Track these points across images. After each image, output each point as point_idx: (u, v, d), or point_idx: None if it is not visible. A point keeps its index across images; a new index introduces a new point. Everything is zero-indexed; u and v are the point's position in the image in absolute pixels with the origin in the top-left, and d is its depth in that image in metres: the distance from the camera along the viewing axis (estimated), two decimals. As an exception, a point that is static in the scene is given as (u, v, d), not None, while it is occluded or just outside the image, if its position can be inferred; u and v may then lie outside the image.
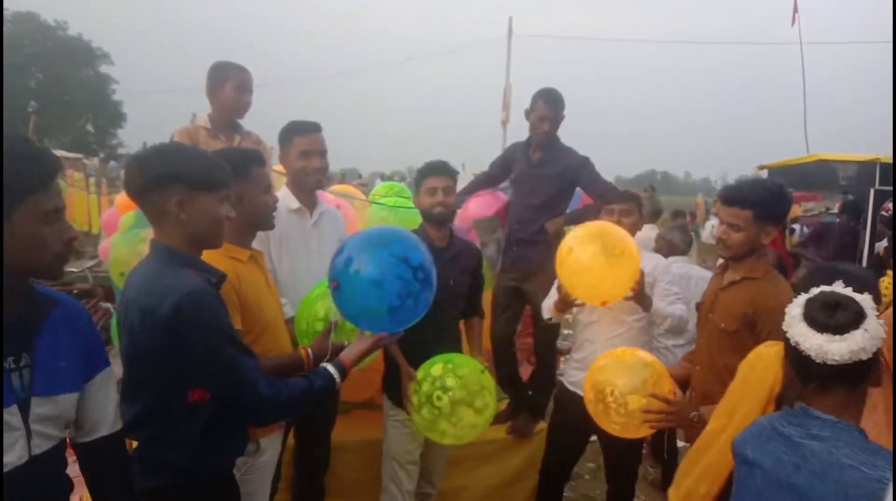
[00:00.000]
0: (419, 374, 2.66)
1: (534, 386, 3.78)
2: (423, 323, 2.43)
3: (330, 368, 1.97)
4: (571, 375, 3.13)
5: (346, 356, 2.05)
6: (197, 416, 1.76)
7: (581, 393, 2.78)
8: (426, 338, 2.66)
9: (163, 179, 1.73)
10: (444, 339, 2.92)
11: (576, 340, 3.17)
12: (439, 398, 2.58)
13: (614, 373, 2.49)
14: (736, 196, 2.44)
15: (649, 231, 4.67)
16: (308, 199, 2.88)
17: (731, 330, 2.41)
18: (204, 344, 1.67)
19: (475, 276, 3.13)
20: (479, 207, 3.99)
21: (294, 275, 2.73)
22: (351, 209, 3.71)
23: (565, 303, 2.92)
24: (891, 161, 4.99)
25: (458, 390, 2.59)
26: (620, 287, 2.75)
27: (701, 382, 2.59)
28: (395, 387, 2.93)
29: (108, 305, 5.65)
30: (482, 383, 2.67)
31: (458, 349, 3.05)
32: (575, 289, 2.82)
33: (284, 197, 2.83)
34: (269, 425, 2.27)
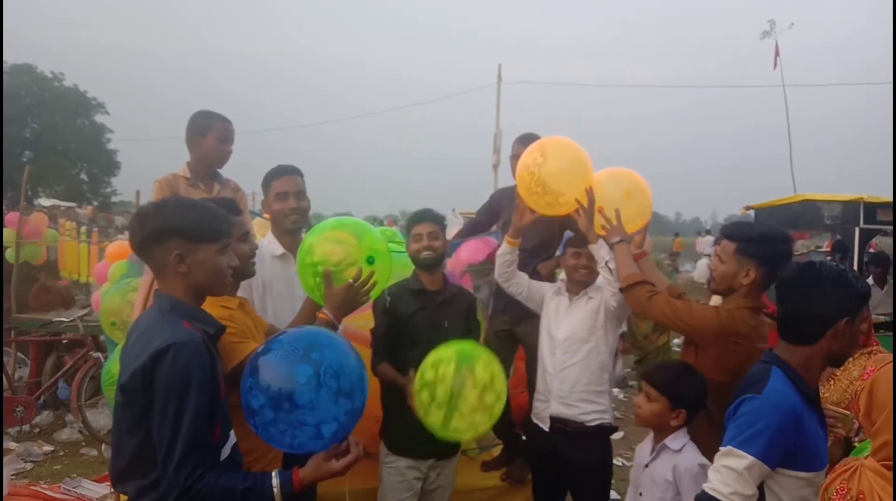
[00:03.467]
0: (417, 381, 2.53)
1: (528, 431, 3.75)
2: (418, 364, 2.59)
3: (274, 479, 1.74)
4: (535, 407, 3.20)
5: (304, 474, 1.81)
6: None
7: (543, 426, 3.06)
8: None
9: (162, 233, 1.78)
10: None
11: (537, 375, 3.23)
12: (435, 391, 2.45)
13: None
14: (729, 229, 2.55)
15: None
16: (292, 243, 2.88)
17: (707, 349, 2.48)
18: (164, 397, 1.64)
19: (469, 319, 3.15)
20: (470, 252, 4.03)
21: (279, 321, 2.71)
22: None
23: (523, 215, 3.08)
24: (874, 201, 5.08)
25: (450, 377, 2.44)
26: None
27: None
28: (393, 433, 2.93)
29: (98, 354, 5.60)
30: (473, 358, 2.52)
31: None
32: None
33: (269, 243, 2.88)
34: None
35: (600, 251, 2.92)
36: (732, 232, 2.49)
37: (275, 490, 1.73)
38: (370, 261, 2.37)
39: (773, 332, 2.42)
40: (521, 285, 3.28)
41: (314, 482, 1.84)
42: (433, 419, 2.48)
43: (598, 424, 3.01)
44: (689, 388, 2.44)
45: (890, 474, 1.37)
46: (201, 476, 1.64)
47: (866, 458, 1.51)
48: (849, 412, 2.50)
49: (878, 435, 1.44)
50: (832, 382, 2.75)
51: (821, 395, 2.50)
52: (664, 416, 2.46)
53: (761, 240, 2.42)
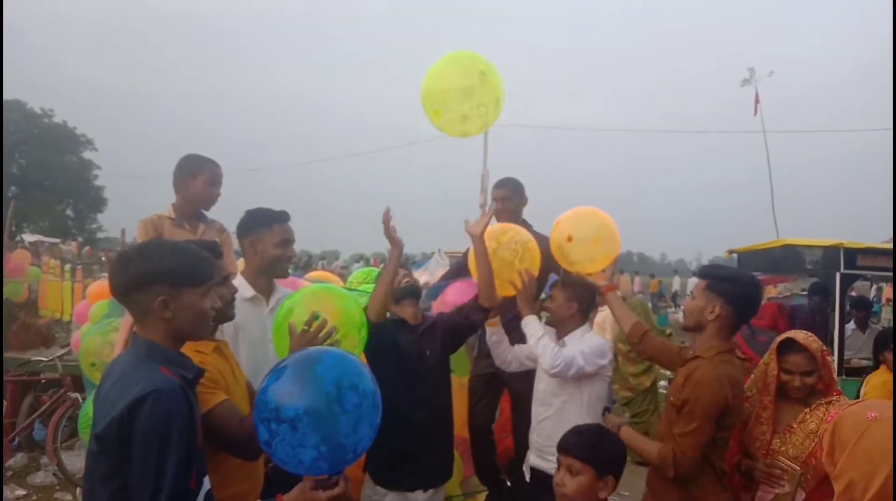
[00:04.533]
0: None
1: (512, 476, 3.71)
2: (404, 394, 2.74)
3: None
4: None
5: (288, 499, 1.83)
6: None
7: (526, 475, 3.13)
8: (416, 411, 2.84)
9: (146, 278, 1.75)
10: (427, 407, 2.95)
11: None
12: None
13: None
14: (703, 269, 2.78)
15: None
16: (266, 286, 2.87)
17: (676, 404, 2.48)
18: (144, 446, 1.60)
19: (444, 343, 3.11)
20: (456, 294, 4.02)
21: (252, 364, 2.67)
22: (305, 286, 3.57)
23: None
24: (854, 246, 5.17)
25: None
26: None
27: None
28: (378, 464, 2.90)
29: (77, 395, 5.49)
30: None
31: (447, 417, 3.10)
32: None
33: (239, 285, 2.82)
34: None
35: (529, 327, 3.09)
36: (705, 271, 2.69)
37: None
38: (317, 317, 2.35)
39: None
40: (520, 359, 3.29)
41: None
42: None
43: None
44: (612, 450, 2.27)
45: None
46: None
47: None
48: (798, 468, 2.40)
49: (841, 477, 1.42)
50: (788, 434, 2.51)
51: (777, 448, 2.50)
52: (592, 488, 2.17)
53: (729, 279, 2.57)
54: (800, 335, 2.56)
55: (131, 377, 1.68)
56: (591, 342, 3.06)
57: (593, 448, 2.21)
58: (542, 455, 3.03)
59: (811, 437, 2.44)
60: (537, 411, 3.12)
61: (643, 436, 2.75)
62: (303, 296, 2.70)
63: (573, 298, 3.15)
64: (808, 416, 2.49)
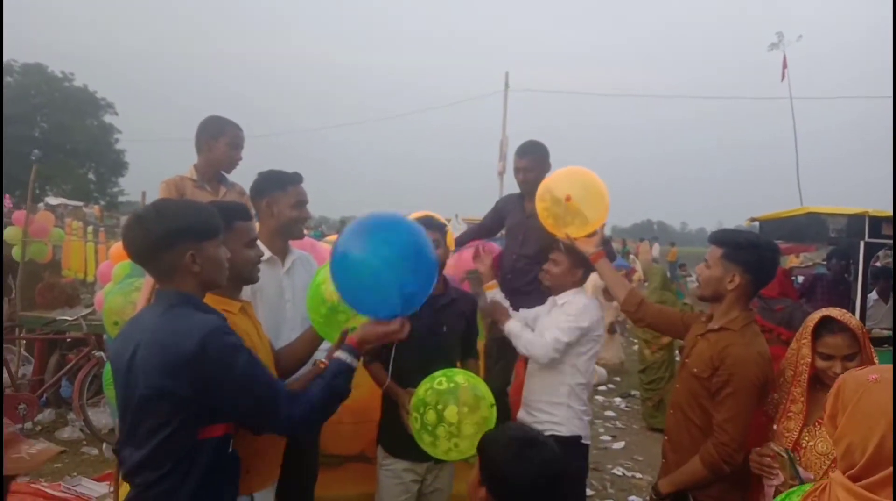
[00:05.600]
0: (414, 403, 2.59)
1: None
2: (415, 370, 2.71)
3: (341, 354, 2.00)
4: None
5: (355, 336, 2.06)
6: (199, 458, 1.77)
7: None
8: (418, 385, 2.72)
9: (171, 236, 1.81)
10: None
11: None
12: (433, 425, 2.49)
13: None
14: (716, 235, 2.58)
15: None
16: (281, 247, 2.87)
17: (703, 376, 2.43)
18: (232, 377, 1.74)
19: (470, 321, 3.16)
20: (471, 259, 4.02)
21: (268, 324, 2.67)
22: (325, 250, 3.54)
23: None
24: (879, 214, 5.06)
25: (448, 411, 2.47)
26: None
27: (674, 426, 2.61)
28: (390, 435, 2.93)
29: (101, 353, 5.62)
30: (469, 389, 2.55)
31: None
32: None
33: None
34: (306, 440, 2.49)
35: (511, 333, 3.14)
36: (720, 238, 2.53)
37: (350, 363, 2.00)
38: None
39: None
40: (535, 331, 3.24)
41: (365, 341, 2.06)
42: (420, 438, 2.57)
43: (550, 434, 2.92)
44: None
45: (859, 490, 1.31)
46: (299, 402, 1.86)
47: (833, 472, 1.44)
48: (784, 453, 2.13)
49: (841, 440, 1.37)
50: (818, 427, 2.18)
51: (805, 444, 2.18)
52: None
53: (747, 246, 2.45)
54: (835, 312, 2.24)
55: (183, 322, 1.76)
56: (575, 305, 3.05)
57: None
58: (528, 410, 3.13)
59: None
60: (530, 367, 3.20)
61: (679, 471, 2.50)
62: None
63: (579, 264, 3.12)
64: None
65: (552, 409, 3.06)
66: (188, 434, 1.76)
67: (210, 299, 2.00)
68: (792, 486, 1.98)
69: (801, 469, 2.12)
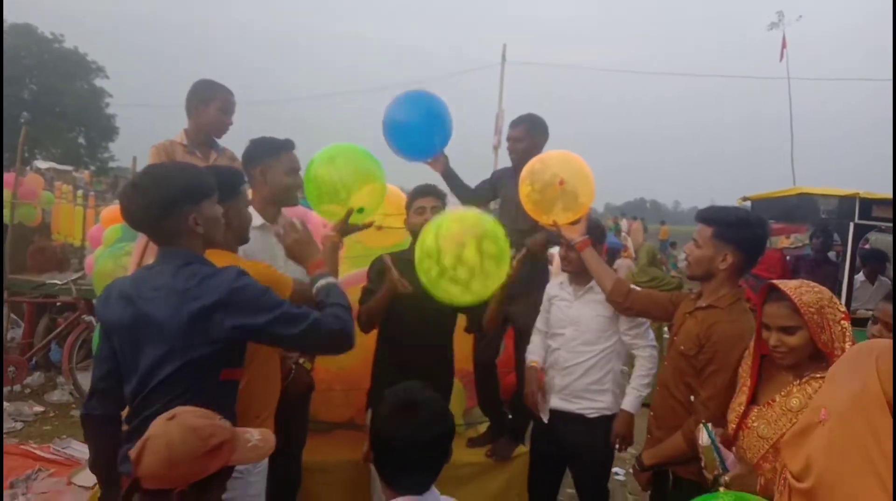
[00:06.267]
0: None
1: (514, 409, 3.79)
2: (413, 337, 2.84)
3: (321, 282, 2.11)
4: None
5: (315, 264, 2.22)
6: (218, 397, 1.83)
7: (543, 417, 3.14)
8: (417, 353, 2.87)
9: (172, 201, 1.83)
10: (434, 354, 3.04)
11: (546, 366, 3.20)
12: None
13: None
14: (705, 213, 2.53)
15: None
16: (274, 214, 2.86)
17: (689, 354, 2.44)
18: (258, 302, 1.81)
19: None
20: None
21: None
22: (316, 217, 3.44)
23: None
24: (870, 196, 5.08)
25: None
26: None
27: (659, 403, 2.64)
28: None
29: (90, 318, 5.62)
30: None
31: (449, 366, 3.19)
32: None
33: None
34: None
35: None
36: (709, 216, 2.48)
37: (330, 280, 2.13)
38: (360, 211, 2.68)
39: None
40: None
41: (324, 263, 2.24)
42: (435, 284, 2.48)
43: (598, 416, 3.03)
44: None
45: None
46: (336, 318, 1.95)
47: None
48: (707, 440, 2.05)
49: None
50: (767, 408, 2.01)
51: (751, 423, 2.03)
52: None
53: (738, 224, 2.42)
54: (791, 283, 1.99)
55: (203, 276, 1.80)
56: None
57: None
58: (565, 398, 3.06)
59: (788, 416, 1.92)
60: (563, 357, 3.07)
61: (661, 444, 2.54)
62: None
63: (600, 251, 3.08)
64: (794, 390, 1.95)
65: (598, 396, 3.03)
66: (212, 374, 1.83)
67: (217, 255, 2.03)
68: (717, 475, 1.97)
69: (726, 455, 2.05)
